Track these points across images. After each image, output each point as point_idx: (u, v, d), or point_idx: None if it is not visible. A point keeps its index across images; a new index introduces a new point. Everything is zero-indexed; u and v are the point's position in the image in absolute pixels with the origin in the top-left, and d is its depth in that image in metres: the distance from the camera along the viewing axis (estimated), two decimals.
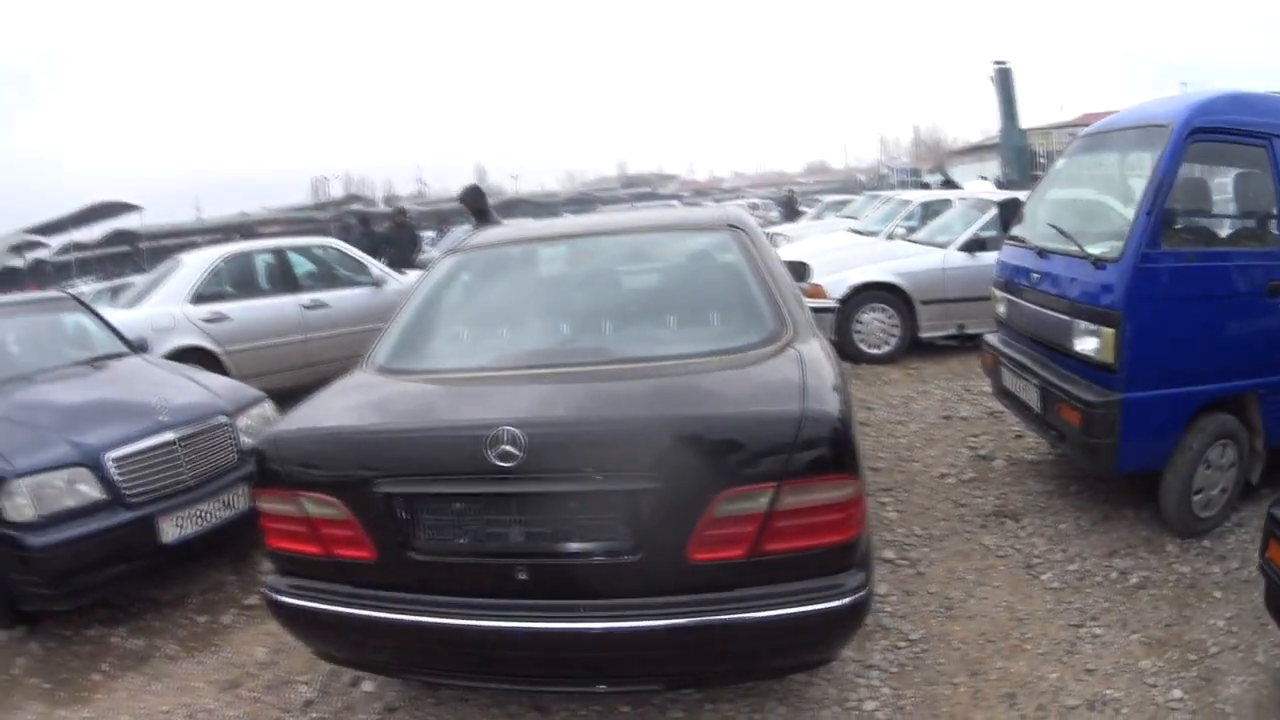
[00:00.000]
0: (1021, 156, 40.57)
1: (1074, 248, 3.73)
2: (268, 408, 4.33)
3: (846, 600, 2.17)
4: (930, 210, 11.55)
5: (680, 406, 2.38)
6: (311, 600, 2.43)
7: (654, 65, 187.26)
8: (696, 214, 4.22)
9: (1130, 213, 3.59)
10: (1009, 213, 5.01)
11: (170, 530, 3.64)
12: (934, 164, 60.94)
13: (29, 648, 3.58)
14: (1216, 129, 3.56)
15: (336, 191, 61.75)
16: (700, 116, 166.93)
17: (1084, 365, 3.61)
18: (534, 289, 3.37)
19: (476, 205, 7.18)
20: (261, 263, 7.82)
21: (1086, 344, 3.57)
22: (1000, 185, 27.87)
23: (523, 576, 2.25)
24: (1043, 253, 4.07)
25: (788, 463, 2.13)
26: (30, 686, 3.34)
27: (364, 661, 2.71)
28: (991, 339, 4.72)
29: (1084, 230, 3.86)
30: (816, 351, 2.60)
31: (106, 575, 3.57)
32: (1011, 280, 4.40)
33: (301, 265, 7.98)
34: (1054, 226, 3.98)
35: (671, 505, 2.16)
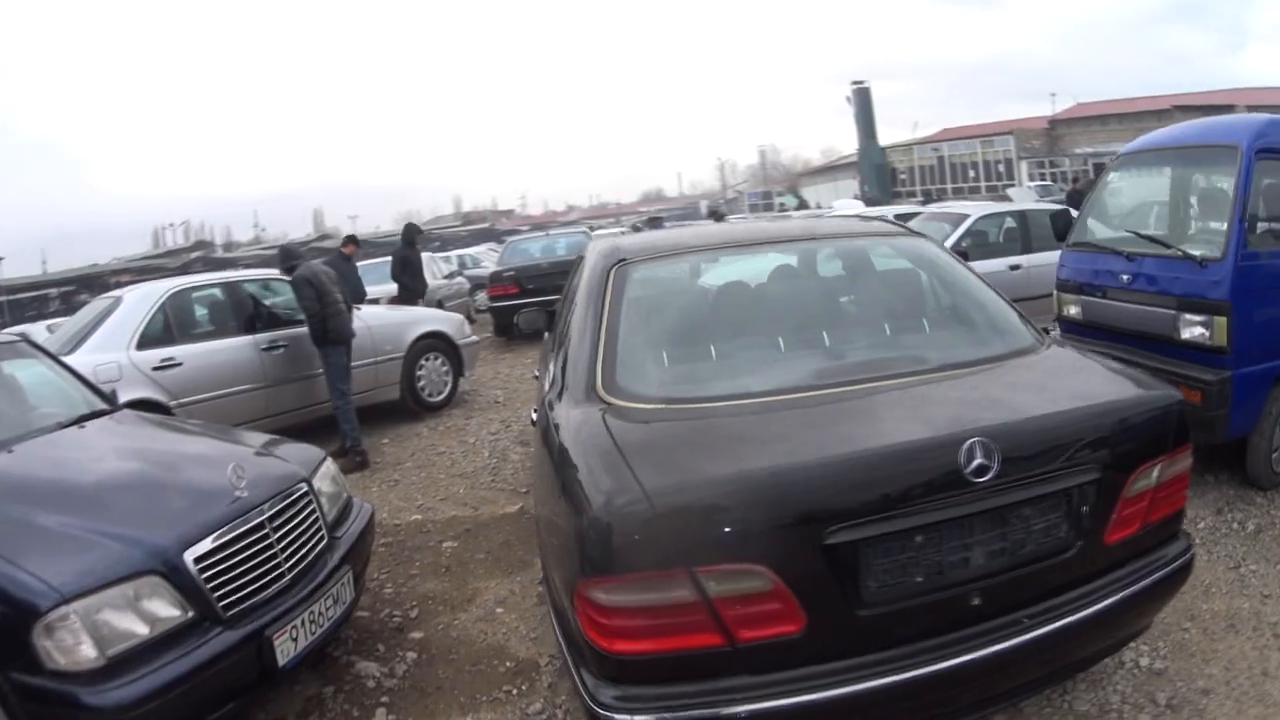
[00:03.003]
0: (881, 174, 43.38)
1: (1171, 251, 4.52)
2: (332, 467, 3.87)
3: (1186, 559, 2.55)
4: None
5: (1099, 396, 2.56)
6: (698, 708, 2.04)
7: (486, 100, 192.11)
8: (871, 224, 4.11)
9: (1213, 219, 4.46)
10: (1061, 223, 5.80)
11: (286, 647, 2.97)
12: (787, 185, 64.03)
13: None
14: (1273, 149, 4.42)
15: (179, 239, 64.62)
16: (532, 151, 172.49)
17: (1193, 351, 4.34)
18: (757, 300, 3.35)
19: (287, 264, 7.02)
20: (211, 299, 7.26)
21: (1196, 332, 4.32)
22: (867, 203, 29.46)
23: (976, 601, 2.21)
24: (1130, 256, 4.76)
25: (1167, 437, 2.46)
26: None
27: None
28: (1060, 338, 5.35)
29: (1167, 234, 4.73)
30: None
31: None
32: (1089, 283, 5.11)
33: (255, 301, 7.47)
34: (1137, 233, 4.81)
35: (1103, 491, 2.34)
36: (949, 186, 43.37)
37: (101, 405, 4.13)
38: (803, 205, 35.24)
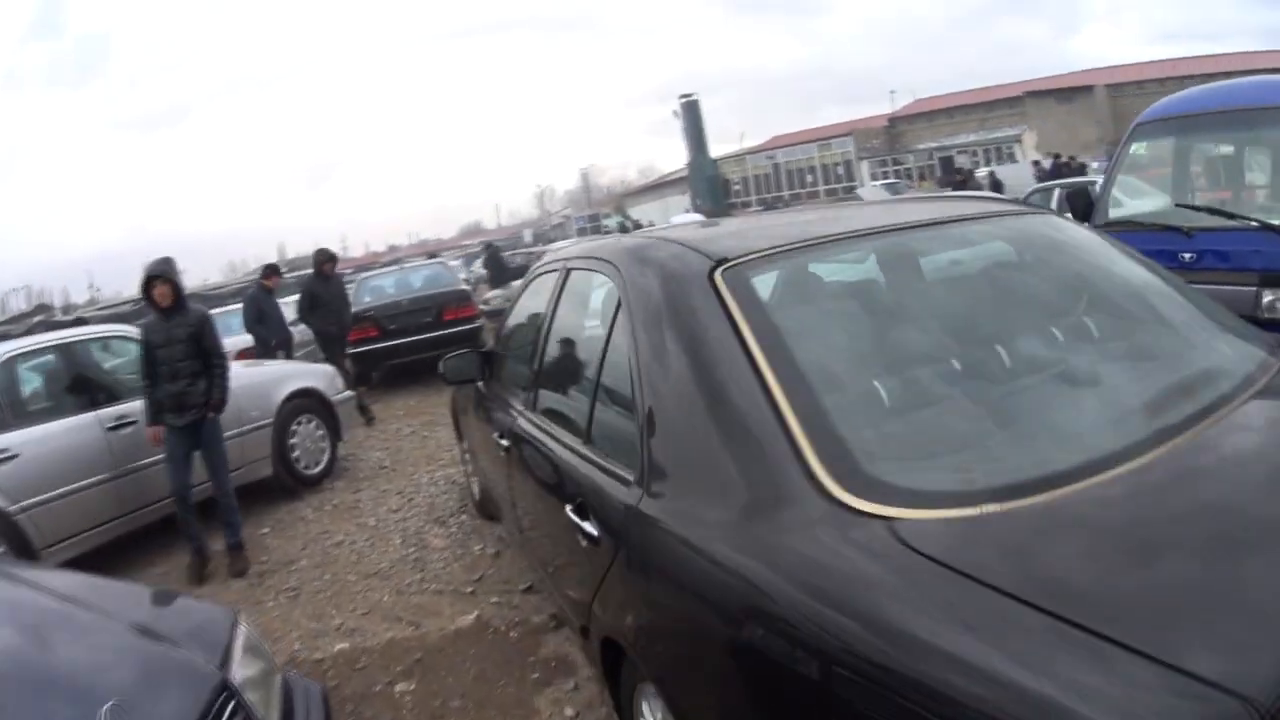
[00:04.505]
0: (714, 186, 43.71)
1: (1238, 223, 4.23)
2: (246, 631, 2.46)
3: None
4: None
5: None
6: None
7: (301, 142, 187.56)
8: (999, 204, 3.12)
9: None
10: (1079, 202, 5.36)
11: None
12: (613, 206, 64.21)
13: None
14: None
15: (22, 304, 60.71)
16: (349, 192, 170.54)
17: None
18: (952, 307, 2.37)
19: None
20: (47, 367, 5.69)
21: None
22: (707, 215, 29.47)
23: None
24: (1190, 232, 4.38)
25: None
26: None
27: None
28: None
29: (1229, 205, 4.45)
30: None
31: None
32: None
33: (97, 366, 5.91)
34: (1195, 207, 4.52)
35: None
36: (786, 193, 44.30)
37: None
38: (634, 225, 34.76)
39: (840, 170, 44.64)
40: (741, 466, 1.71)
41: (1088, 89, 38.85)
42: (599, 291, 2.72)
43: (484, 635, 3.98)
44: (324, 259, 9.86)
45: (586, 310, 3.01)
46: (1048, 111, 38.64)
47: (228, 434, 5.95)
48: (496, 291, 19.13)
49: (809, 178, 45.42)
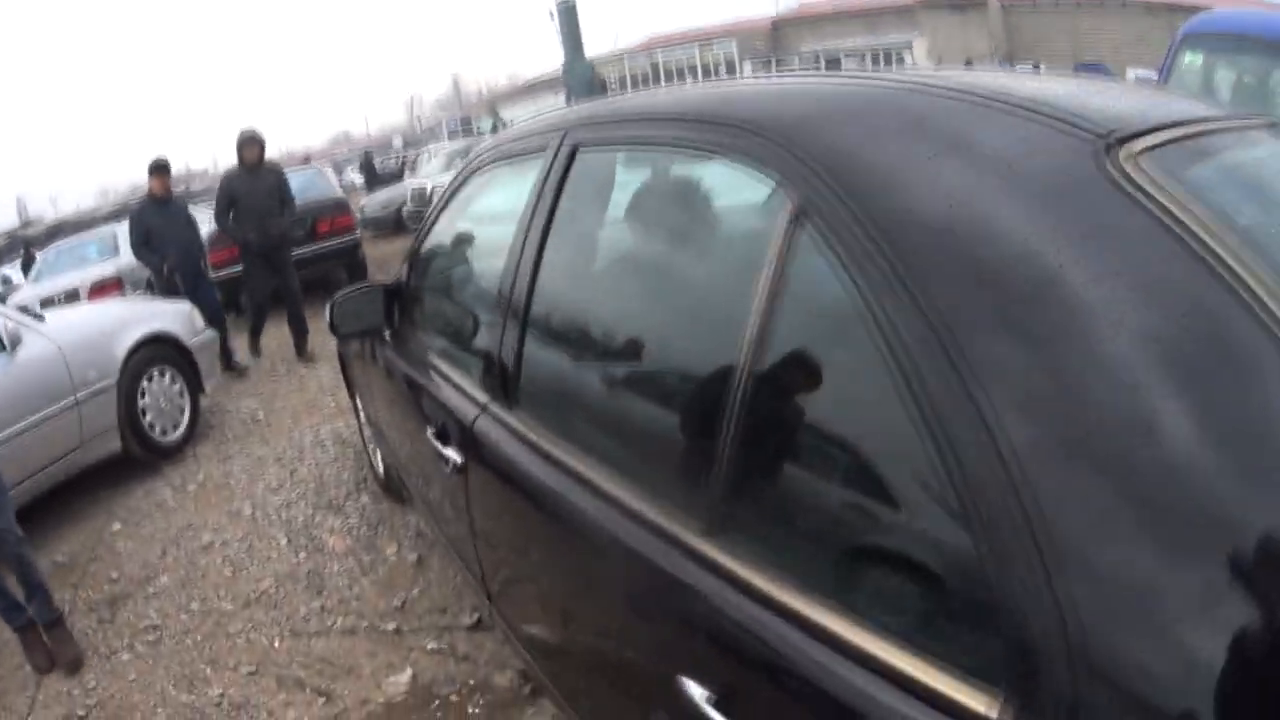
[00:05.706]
0: (591, 87, 41.98)
1: None
2: None
3: None
4: None
5: None
6: None
7: (162, 59, 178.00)
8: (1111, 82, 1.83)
9: None
10: None
11: None
12: (487, 109, 61.84)
13: None
14: None
15: None
16: (215, 106, 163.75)
17: None
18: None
19: None
20: None
21: None
22: None
23: None
24: None
25: None
26: None
27: None
28: None
29: None
30: None
31: None
32: None
33: None
34: None
35: None
36: None
37: None
38: (497, 128, 33.43)
39: (723, 70, 43.74)
40: None
41: (981, 3, 38.91)
42: (700, 199, 1.55)
43: (428, 711, 2.72)
44: (246, 140, 7.35)
45: (646, 235, 1.81)
46: (939, 20, 38.62)
47: (59, 406, 4.75)
48: (373, 197, 17.76)
49: (689, 78, 44.38)
